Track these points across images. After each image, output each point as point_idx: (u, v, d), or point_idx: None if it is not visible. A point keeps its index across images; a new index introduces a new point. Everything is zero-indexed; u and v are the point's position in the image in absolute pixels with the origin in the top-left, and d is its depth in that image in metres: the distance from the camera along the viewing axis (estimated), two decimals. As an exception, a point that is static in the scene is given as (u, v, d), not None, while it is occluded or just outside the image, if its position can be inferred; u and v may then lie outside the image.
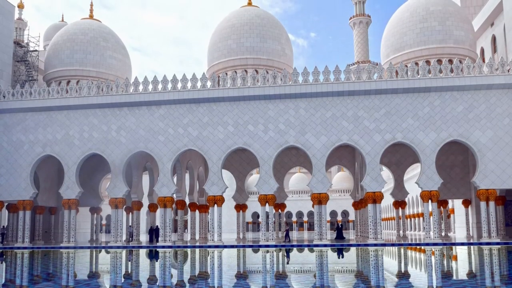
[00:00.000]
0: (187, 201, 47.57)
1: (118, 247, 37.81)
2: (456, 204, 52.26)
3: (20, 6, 75.95)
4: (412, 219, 71.99)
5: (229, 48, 50.78)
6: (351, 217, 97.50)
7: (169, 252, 32.65)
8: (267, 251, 32.02)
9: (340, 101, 37.67)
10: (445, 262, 23.56)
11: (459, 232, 50.98)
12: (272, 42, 51.24)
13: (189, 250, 35.96)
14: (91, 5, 53.06)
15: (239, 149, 39.51)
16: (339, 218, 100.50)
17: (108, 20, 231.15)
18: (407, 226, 73.01)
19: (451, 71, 37.18)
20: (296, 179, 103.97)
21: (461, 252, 30.69)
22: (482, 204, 36.20)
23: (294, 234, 68.62)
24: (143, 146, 39.38)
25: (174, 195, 41.36)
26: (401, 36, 44.90)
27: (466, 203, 45.24)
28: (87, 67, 48.30)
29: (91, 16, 52.37)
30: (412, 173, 58.99)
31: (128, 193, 40.61)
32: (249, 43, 50.55)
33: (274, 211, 41.02)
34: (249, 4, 54.54)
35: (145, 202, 46.59)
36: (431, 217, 37.39)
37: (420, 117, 36.69)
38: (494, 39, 46.89)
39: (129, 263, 25.91)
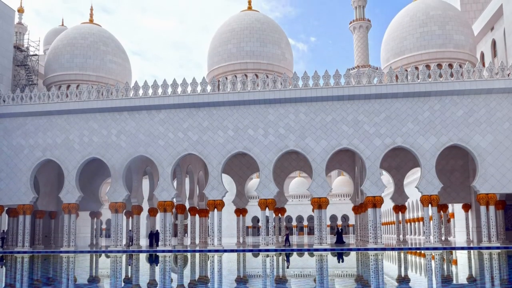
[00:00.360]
0: (187, 206, 47.55)
1: (118, 252, 37.77)
2: (456, 209, 52.25)
3: (20, 11, 76.14)
4: (412, 223, 71.96)
5: (229, 52, 50.85)
6: (351, 221, 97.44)
7: (169, 257, 32.60)
8: (267, 256, 31.96)
9: (340, 105, 37.71)
10: (445, 267, 23.52)
11: (459, 237, 50.94)
12: (272, 47, 51.31)
13: (189, 254, 35.92)
14: (91, 9, 53.18)
15: (239, 153, 39.52)
16: (339, 222, 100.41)
17: (108, 25, 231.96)
18: (407, 230, 72.95)
19: (451, 75, 37.24)
20: (296, 183, 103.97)
21: (461, 256, 30.65)
22: (482, 208, 36.17)
23: (294, 239, 68.54)
24: (143, 151, 39.40)
25: (174, 200, 41.34)
26: (401, 40, 45.00)
27: (466, 207, 45.22)
28: (87, 72, 48.39)
29: (91, 21, 52.49)
30: (412, 177, 58.97)
31: (128, 197, 40.63)
32: (249, 47, 50.61)
33: (274, 215, 40.99)
34: (249, 8, 54.66)
35: (145, 206, 46.59)
36: (431, 221, 37.35)
37: (420, 122, 36.72)
38: (494, 43, 46.97)
39: (129, 267, 25.86)
